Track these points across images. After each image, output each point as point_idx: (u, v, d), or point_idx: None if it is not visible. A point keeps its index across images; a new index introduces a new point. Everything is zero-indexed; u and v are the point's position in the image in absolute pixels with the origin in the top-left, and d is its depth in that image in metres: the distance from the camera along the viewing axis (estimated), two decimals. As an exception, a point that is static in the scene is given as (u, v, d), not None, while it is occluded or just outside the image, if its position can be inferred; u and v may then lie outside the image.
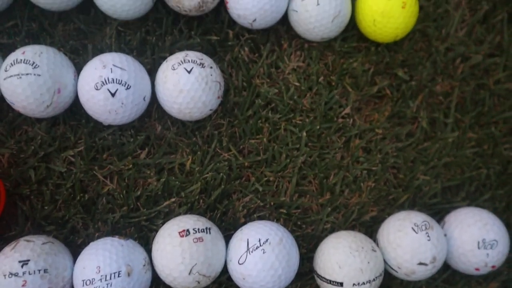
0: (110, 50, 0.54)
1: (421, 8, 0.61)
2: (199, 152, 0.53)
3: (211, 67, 0.50)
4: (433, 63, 0.61)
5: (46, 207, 0.50)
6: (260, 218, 0.54)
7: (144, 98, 0.49)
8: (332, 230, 0.55)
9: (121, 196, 0.51)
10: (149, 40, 0.55)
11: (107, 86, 0.46)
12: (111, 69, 0.47)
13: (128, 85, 0.47)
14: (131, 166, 0.52)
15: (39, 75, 0.46)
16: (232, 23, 0.57)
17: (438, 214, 0.57)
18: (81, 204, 0.51)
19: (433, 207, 0.57)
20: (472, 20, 0.62)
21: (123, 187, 0.52)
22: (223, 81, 0.53)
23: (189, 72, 0.49)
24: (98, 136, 0.53)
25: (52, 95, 0.47)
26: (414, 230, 0.51)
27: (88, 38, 0.55)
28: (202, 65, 0.50)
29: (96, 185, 0.52)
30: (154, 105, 0.53)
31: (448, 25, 0.62)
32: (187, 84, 0.49)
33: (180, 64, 0.49)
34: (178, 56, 0.50)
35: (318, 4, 0.54)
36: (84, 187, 0.52)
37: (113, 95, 0.47)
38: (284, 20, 0.58)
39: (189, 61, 0.49)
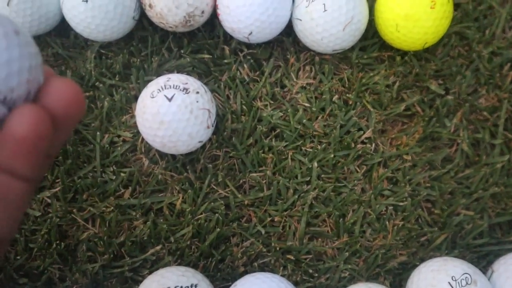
0: (90, 77, 0.48)
1: (457, 6, 0.51)
2: (190, 190, 0.46)
3: (197, 92, 0.43)
4: (475, 71, 0.50)
5: (19, 257, 0.45)
6: (264, 266, 0.46)
7: None
8: (352, 280, 0.46)
9: (102, 242, 0.45)
10: (134, 62, 0.49)
11: None
12: None
13: None
14: (112, 208, 0.46)
15: None
16: (228, 37, 0.50)
17: (485, 258, 0.46)
18: (58, 252, 0.45)
19: (479, 250, 0.46)
20: (523, 17, 0.51)
21: (105, 232, 0.46)
22: (215, 107, 0.45)
23: (169, 100, 0.42)
24: (77, 174, 0.47)
25: None
26: (452, 286, 0.40)
27: (67, 63, 0.49)
28: (186, 90, 0.42)
29: (75, 230, 0.46)
30: (139, 136, 0.47)
31: (493, 25, 0.51)
32: (168, 114, 0.41)
33: (160, 91, 0.42)
34: (159, 81, 0.43)
35: (325, 10, 0.45)
36: (62, 232, 0.46)
37: None
38: (290, 30, 0.50)
39: (170, 87, 0.42)
